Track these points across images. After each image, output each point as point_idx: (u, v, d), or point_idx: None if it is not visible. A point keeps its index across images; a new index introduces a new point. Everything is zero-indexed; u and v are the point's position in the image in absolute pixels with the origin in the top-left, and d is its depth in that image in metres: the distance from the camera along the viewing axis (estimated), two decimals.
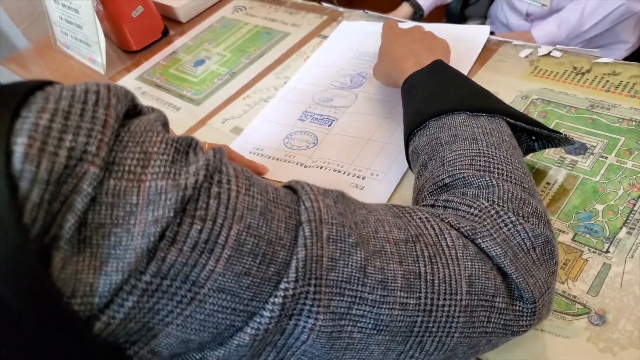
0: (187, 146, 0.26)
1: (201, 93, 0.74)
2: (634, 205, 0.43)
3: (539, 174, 0.48)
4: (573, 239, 0.43)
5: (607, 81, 0.54)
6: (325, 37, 0.75)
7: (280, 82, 0.70)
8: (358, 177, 0.53)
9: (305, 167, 0.57)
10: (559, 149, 0.49)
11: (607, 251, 0.41)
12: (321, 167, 0.56)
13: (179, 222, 0.23)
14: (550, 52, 0.60)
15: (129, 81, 0.81)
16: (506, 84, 0.58)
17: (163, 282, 0.23)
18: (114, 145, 0.23)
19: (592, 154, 0.48)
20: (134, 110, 0.26)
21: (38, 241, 0.21)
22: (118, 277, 0.22)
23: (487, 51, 0.63)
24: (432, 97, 0.43)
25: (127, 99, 0.25)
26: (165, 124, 0.27)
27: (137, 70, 0.83)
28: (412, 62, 0.50)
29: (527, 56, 0.60)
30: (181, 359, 0.26)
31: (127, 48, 0.87)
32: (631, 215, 0.43)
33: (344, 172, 0.54)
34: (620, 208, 0.43)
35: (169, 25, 0.90)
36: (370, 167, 0.54)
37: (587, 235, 0.43)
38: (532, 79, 0.58)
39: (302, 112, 0.64)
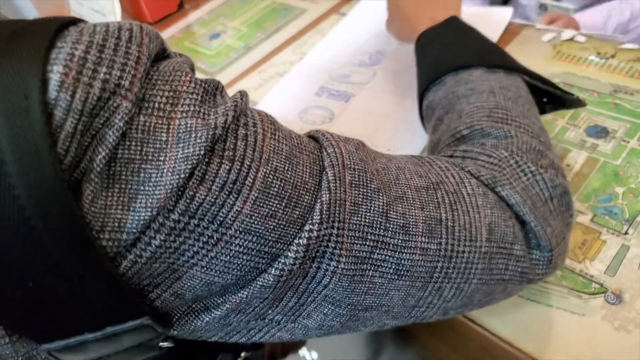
0: (214, 88, 0.25)
1: (216, 66, 0.73)
2: None
3: (559, 155, 0.48)
4: (592, 220, 0.42)
5: (632, 67, 0.53)
6: (343, 14, 0.74)
7: (297, 57, 0.70)
8: None
9: None
10: (580, 131, 0.49)
11: (626, 233, 0.41)
12: None
13: (207, 162, 0.23)
14: (574, 37, 0.59)
15: None
16: (528, 67, 0.57)
17: (191, 221, 0.22)
18: (144, 84, 0.23)
19: (613, 137, 0.48)
20: (162, 53, 0.26)
21: (69, 173, 0.20)
22: (147, 213, 0.22)
23: (509, 34, 0.62)
24: (447, 53, 0.43)
25: (157, 41, 0.25)
26: (192, 68, 0.27)
27: None
28: (425, 18, 0.49)
29: (549, 40, 0.60)
30: (202, 304, 0.26)
31: (142, 20, 0.87)
32: None
33: None
34: None
35: None
36: (387, 143, 0.53)
37: (607, 217, 0.42)
38: (555, 62, 0.57)
39: (318, 88, 0.63)
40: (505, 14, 0.64)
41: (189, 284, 0.24)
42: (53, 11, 0.99)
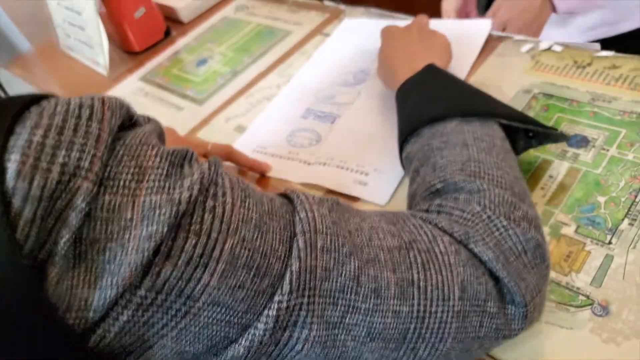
0: (182, 159, 0.26)
1: (204, 93, 0.74)
2: (636, 196, 0.43)
3: (541, 167, 0.48)
4: (576, 231, 0.43)
5: (608, 74, 0.54)
6: (327, 34, 0.76)
7: (283, 80, 0.71)
8: (361, 173, 0.54)
9: (309, 164, 0.57)
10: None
11: (610, 242, 0.41)
12: (324, 164, 0.56)
13: (173, 237, 0.23)
14: (551, 46, 0.60)
15: (132, 82, 0.82)
16: (508, 79, 0.58)
17: (158, 296, 0.23)
18: (109, 160, 0.23)
19: (593, 146, 0.48)
20: (129, 121, 0.26)
21: (32, 257, 0.21)
22: (113, 291, 0.22)
23: (489, 46, 0.63)
24: (424, 104, 0.44)
25: (121, 112, 0.25)
26: (161, 135, 0.28)
27: (139, 71, 0.84)
28: (406, 68, 0.50)
29: (528, 51, 0.61)
30: None
31: (129, 49, 0.88)
32: (633, 206, 0.43)
33: (347, 169, 0.55)
34: (622, 200, 0.44)
35: (171, 25, 0.90)
36: (373, 163, 0.54)
37: (590, 227, 0.43)
38: (534, 73, 0.58)
39: (305, 110, 0.64)
40: (484, 26, 0.65)
41: (160, 352, 0.25)
42: (43, 44, 1.01)
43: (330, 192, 0.53)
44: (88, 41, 0.86)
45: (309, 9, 0.83)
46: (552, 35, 0.87)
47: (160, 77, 0.81)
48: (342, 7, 0.81)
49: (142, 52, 0.87)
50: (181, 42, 0.87)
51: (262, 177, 0.58)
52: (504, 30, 0.73)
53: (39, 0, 0.91)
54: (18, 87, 1.02)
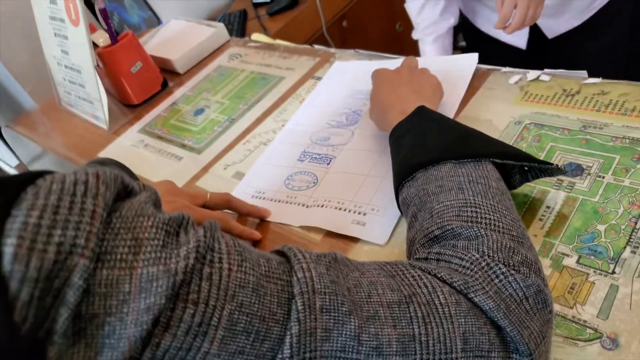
0: (177, 227, 0.26)
1: (202, 141, 0.76)
2: (636, 223, 0.43)
3: (537, 198, 0.48)
4: (578, 262, 0.42)
5: (597, 101, 0.55)
6: (319, 78, 0.77)
7: (278, 125, 0.72)
8: (359, 213, 0.54)
9: (307, 207, 0.57)
10: None
11: (613, 272, 0.41)
12: (322, 206, 0.56)
13: (172, 307, 0.24)
14: (539, 76, 0.61)
15: (132, 134, 0.84)
16: (499, 111, 0.59)
17: None
18: (106, 233, 0.24)
19: (589, 174, 0.49)
20: (124, 191, 0.27)
21: (31, 337, 0.21)
22: None
23: (478, 80, 0.64)
24: (417, 148, 0.44)
25: (116, 184, 0.26)
26: (157, 202, 0.28)
27: (139, 123, 0.85)
28: (397, 111, 0.51)
29: (516, 82, 0.62)
30: None
31: (128, 102, 0.90)
32: (634, 233, 0.43)
33: (345, 209, 0.55)
34: (622, 227, 0.43)
35: (168, 77, 0.93)
36: (370, 203, 0.54)
37: (592, 257, 0.42)
38: (524, 104, 0.59)
39: (301, 153, 0.65)
40: (471, 60, 0.67)
41: None
42: (46, 102, 1.04)
43: (329, 234, 0.53)
44: (88, 97, 0.88)
45: (300, 54, 0.85)
46: (550, 24, 0.87)
47: (159, 128, 0.83)
48: (332, 50, 0.83)
49: (140, 105, 0.90)
50: (178, 93, 0.89)
51: (262, 222, 0.58)
52: (515, 7, 0.71)
53: (42, 59, 0.94)
54: (22, 144, 1.04)
